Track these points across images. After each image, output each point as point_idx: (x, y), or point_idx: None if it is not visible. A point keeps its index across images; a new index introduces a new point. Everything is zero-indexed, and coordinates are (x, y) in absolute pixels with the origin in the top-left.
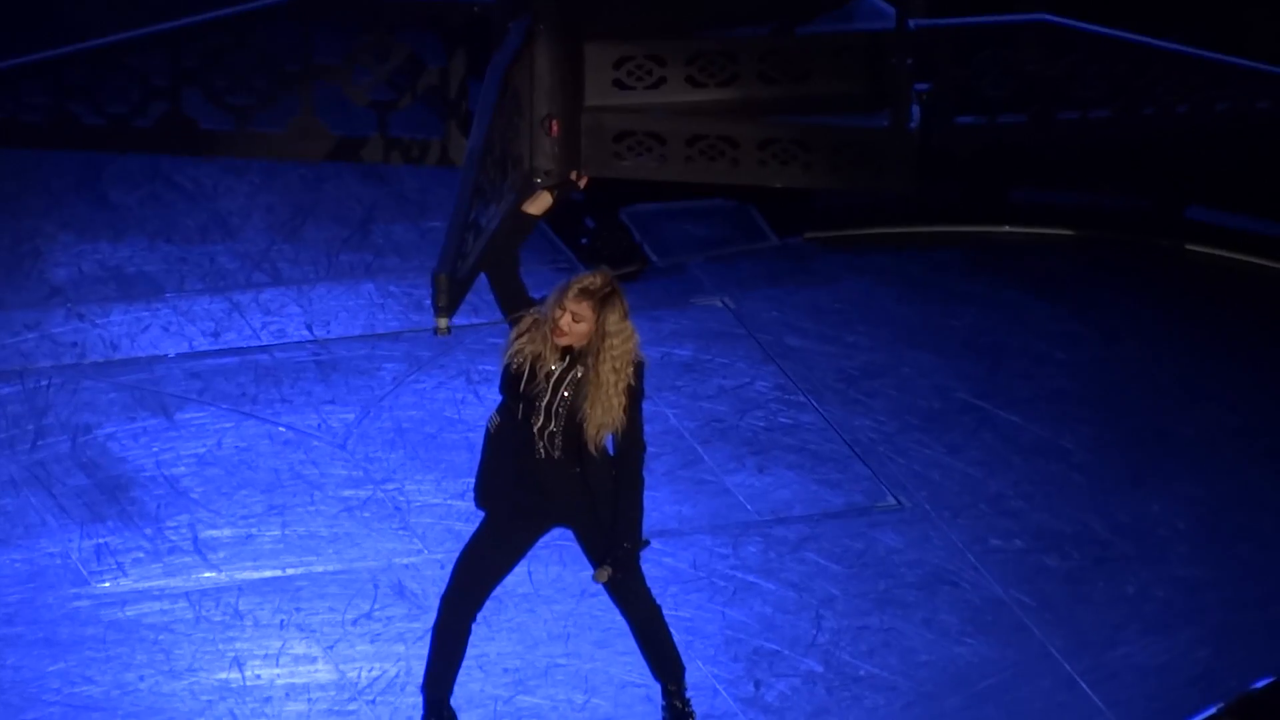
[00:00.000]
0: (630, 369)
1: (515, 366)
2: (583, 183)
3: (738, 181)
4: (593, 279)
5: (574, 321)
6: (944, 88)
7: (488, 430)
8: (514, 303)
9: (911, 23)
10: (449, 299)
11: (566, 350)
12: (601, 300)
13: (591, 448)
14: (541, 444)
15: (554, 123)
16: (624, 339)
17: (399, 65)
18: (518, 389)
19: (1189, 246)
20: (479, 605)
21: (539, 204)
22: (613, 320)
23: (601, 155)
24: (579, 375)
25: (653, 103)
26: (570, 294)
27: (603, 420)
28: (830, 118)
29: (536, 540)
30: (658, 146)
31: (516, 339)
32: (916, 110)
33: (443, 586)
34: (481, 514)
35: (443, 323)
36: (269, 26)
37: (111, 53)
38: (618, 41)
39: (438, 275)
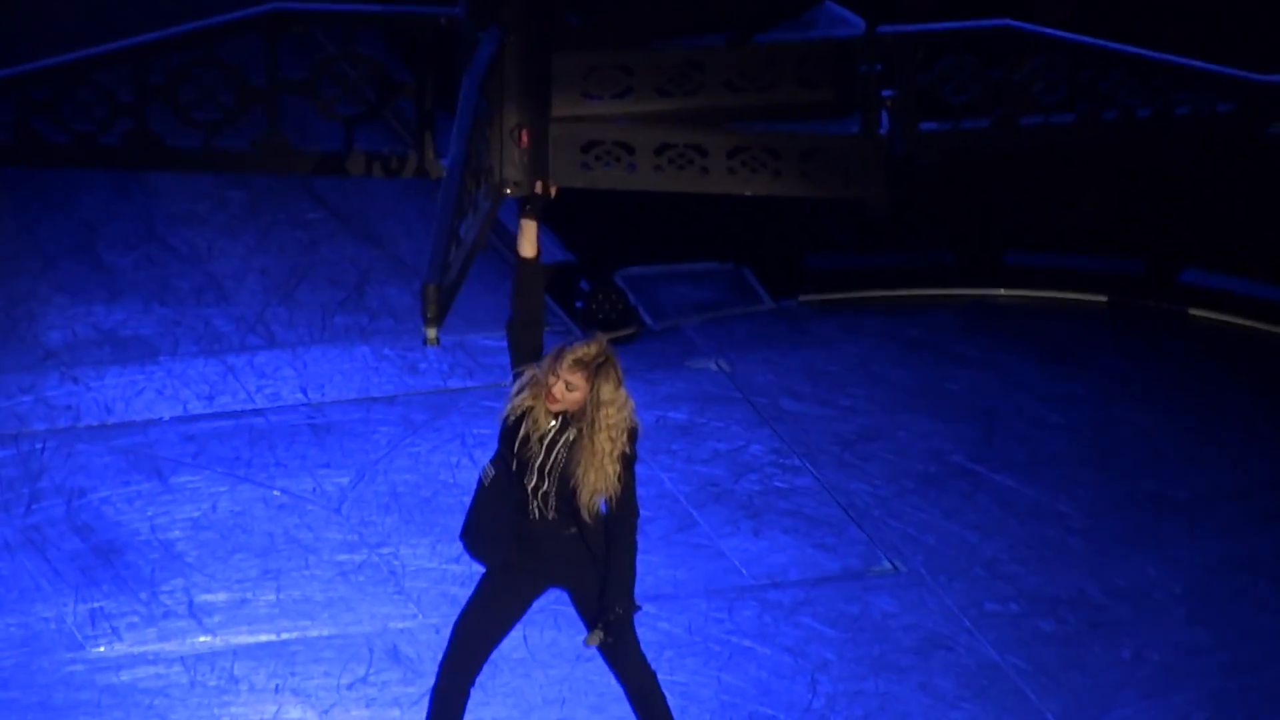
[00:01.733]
0: (624, 436)
1: (513, 420)
2: (552, 192)
3: (707, 190)
4: (587, 349)
5: (567, 390)
6: (908, 94)
7: (481, 481)
8: (527, 342)
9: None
10: (438, 309)
11: (560, 412)
12: (595, 370)
13: (585, 513)
14: (535, 504)
15: (523, 133)
16: (618, 408)
17: (367, 79)
18: (513, 444)
19: (1189, 310)
20: (478, 668)
21: (528, 240)
22: (607, 390)
23: (569, 165)
24: (571, 438)
25: (620, 112)
26: (564, 364)
27: (596, 486)
28: (799, 125)
29: (533, 601)
30: (626, 156)
31: (518, 394)
32: (884, 116)
33: (440, 650)
34: (478, 575)
35: (431, 333)
36: (235, 41)
37: (77, 69)
38: (585, 51)
39: (426, 286)
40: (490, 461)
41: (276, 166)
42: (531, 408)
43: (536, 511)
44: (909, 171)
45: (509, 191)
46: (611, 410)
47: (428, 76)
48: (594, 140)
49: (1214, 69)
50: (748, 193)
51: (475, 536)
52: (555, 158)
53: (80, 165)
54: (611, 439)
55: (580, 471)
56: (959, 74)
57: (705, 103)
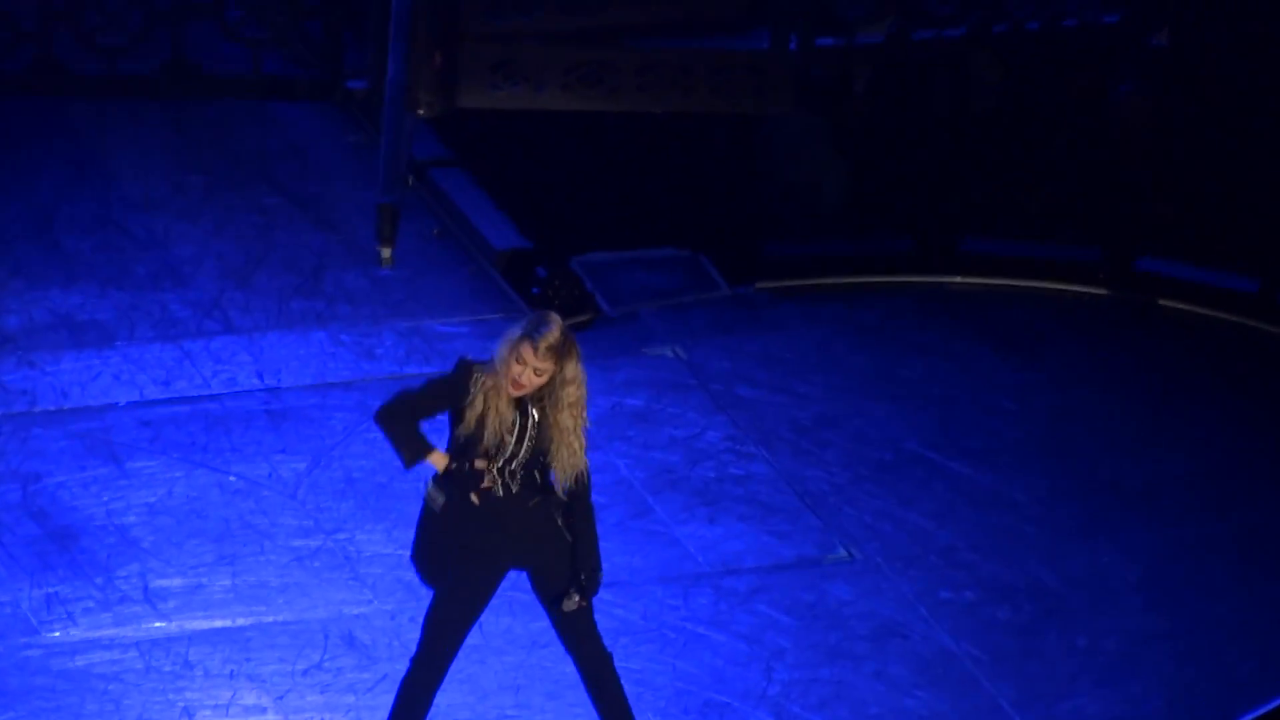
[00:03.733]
0: (584, 411)
1: (474, 427)
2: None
3: (617, 108)
4: (554, 335)
5: (536, 376)
6: (803, 9)
7: (427, 507)
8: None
9: None
10: (392, 228)
11: (519, 397)
12: (562, 355)
13: (560, 491)
14: (503, 482)
15: (437, 54)
16: (579, 385)
17: (273, 1)
18: (473, 438)
19: (1138, 295)
20: (450, 663)
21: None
22: (570, 368)
23: (478, 86)
24: (536, 420)
25: (529, 31)
26: (538, 352)
27: (569, 463)
28: (708, 41)
29: (497, 586)
30: (535, 74)
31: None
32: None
33: (395, 636)
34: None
35: (386, 252)
36: None
37: None
38: None
39: (381, 205)
40: (433, 482)
41: (183, 91)
42: (484, 411)
43: (502, 490)
44: (866, 158)
45: (421, 112)
46: (573, 388)
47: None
48: (503, 60)
49: None
50: (657, 110)
51: (427, 563)
52: (464, 77)
53: None
54: (574, 415)
55: (553, 450)
56: None
57: (613, 19)
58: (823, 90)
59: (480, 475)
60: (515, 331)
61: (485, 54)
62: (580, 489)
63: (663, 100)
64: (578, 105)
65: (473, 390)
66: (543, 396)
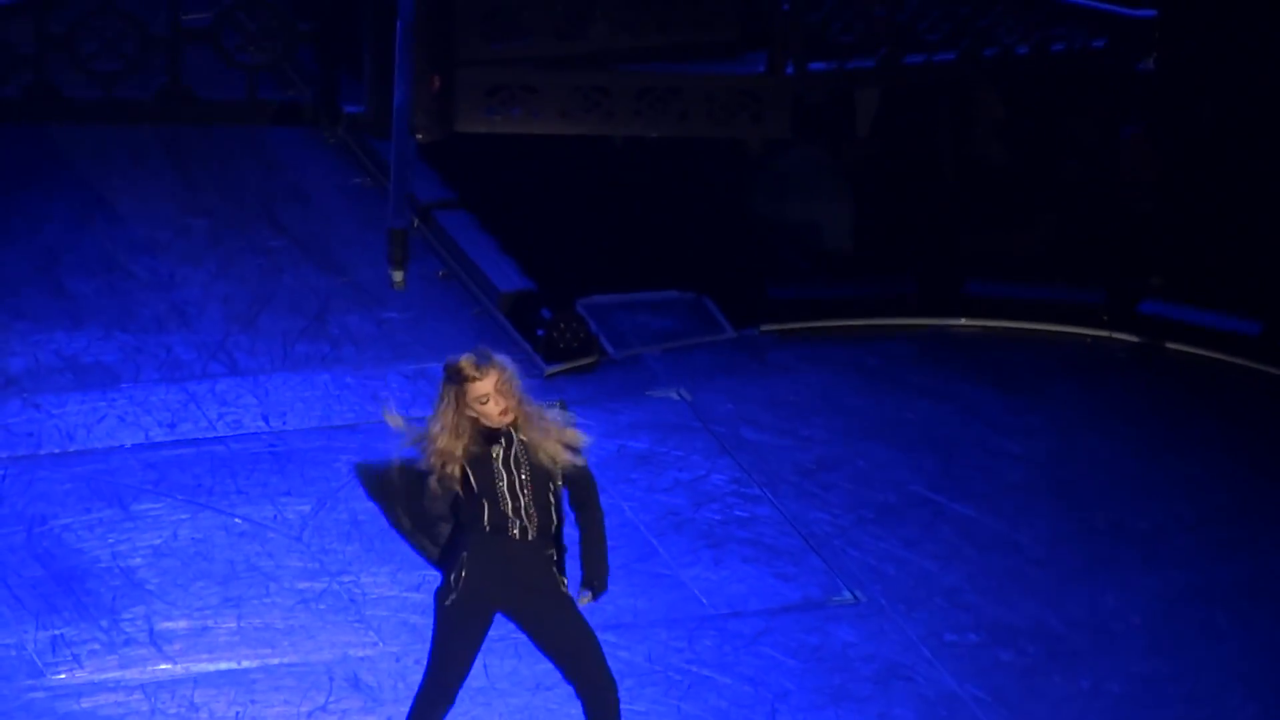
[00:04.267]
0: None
1: (455, 475)
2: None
3: (612, 132)
4: (466, 358)
5: (497, 393)
6: (796, 34)
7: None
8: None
9: None
10: (404, 251)
11: (489, 435)
12: (488, 362)
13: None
14: (519, 524)
15: (435, 79)
16: (511, 378)
17: (270, 27)
18: (473, 493)
19: (1142, 338)
20: (452, 702)
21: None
22: (502, 368)
23: (474, 110)
24: (515, 443)
25: (524, 55)
26: (471, 380)
27: (555, 446)
28: (704, 66)
29: (488, 628)
30: (531, 99)
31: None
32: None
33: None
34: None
35: (398, 276)
36: None
37: None
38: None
39: (392, 230)
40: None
41: (179, 116)
42: (459, 458)
43: (518, 533)
44: (868, 193)
45: (419, 137)
46: (509, 385)
47: (332, 24)
48: (499, 84)
49: (1087, 5)
50: (654, 134)
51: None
52: (461, 102)
53: None
54: (523, 403)
55: (544, 446)
56: (844, 13)
57: (608, 45)
58: (819, 118)
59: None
60: (444, 396)
61: (481, 79)
62: (585, 488)
63: (659, 124)
64: (574, 130)
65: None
66: (512, 417)
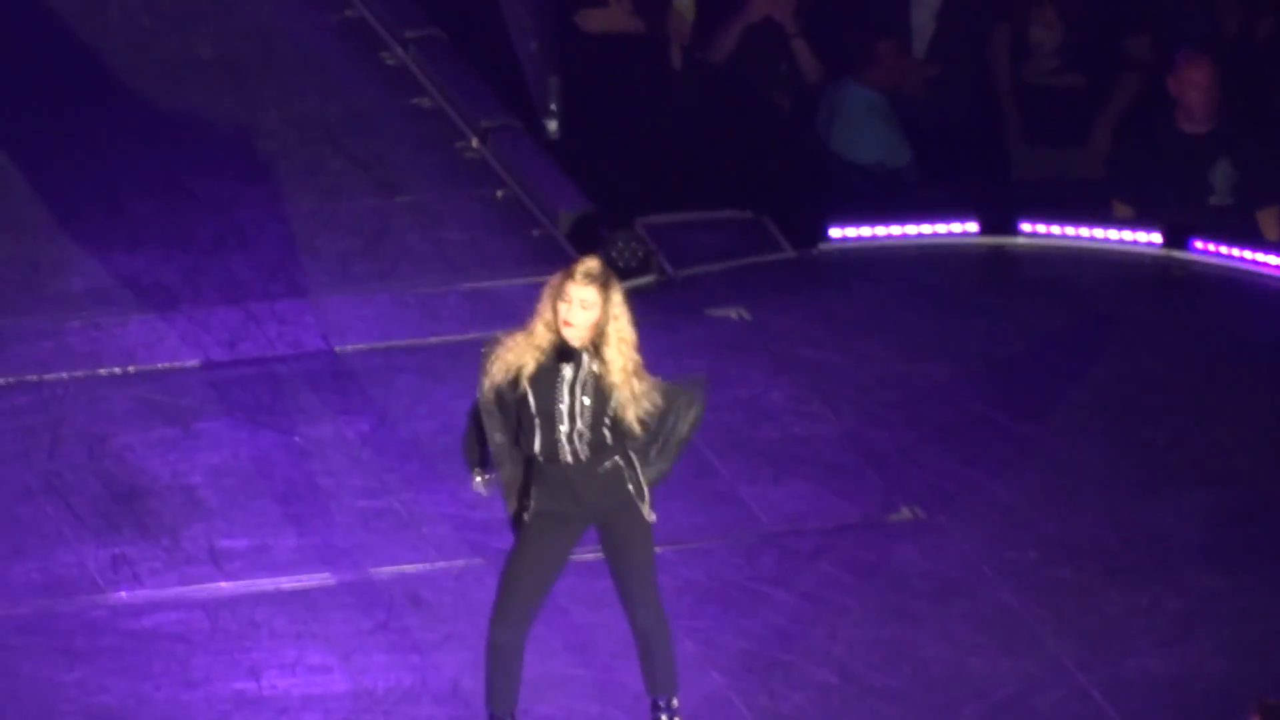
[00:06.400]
0: (635, 349)
1: (516, 392)
2: None
3: None
4: (592, 262)
5: (583, 309)
6: None
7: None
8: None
9: None
10: (559, 100)
11: (564, 352)
12: (605, 283)
13: (635, 428)
14: (570, 448)
15: None
16: (627, 318)
17: None
18: (517, 406)
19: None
20: (531, 622)
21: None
22: (617, 300)
23: None
24: (589, 369)
25: None
26: (575, 280)
27: (634, 401)
28: None
29: (573, 546)
30: None
31: (498, 364)
32: None
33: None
34: (498, 522)
35: (553, 125)
36: None
37: None
38: None
39: (550, 77)
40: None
41: None
42: (523, 365)
43: (570, 455)
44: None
45: None
46: (623, 322)
47: None
48: None
49: None
50: None
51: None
52: None
53: None
54: (623, 353)
55: (617, 395)
56: None
57: None
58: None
59: (548, 439)
60: (554, 278)
61: None
62: (652, 425)
63: None
64: None
65: (505, 360)
66: (594, 344)
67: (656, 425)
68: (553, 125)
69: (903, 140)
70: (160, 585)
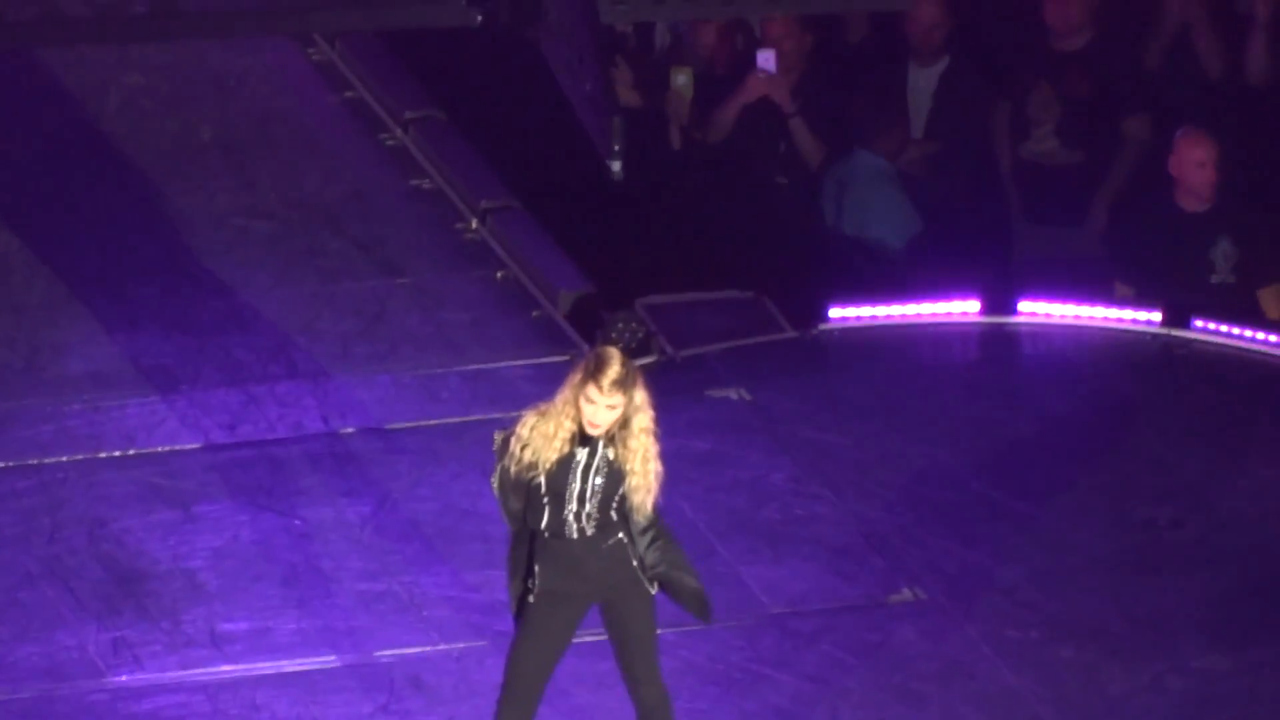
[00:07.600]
0: (656, 437)
1: (531, 475)
2: None
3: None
4: (615, 369)
5: (608, 410)
6: None
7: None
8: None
9: None
10: (621, 139)
11: (582, 438)
12: (630, 386)
13: (641, 516)
14: (577, 525)
15: None
16: (648, 408)
17: None
18: (539, 491)
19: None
20: (537, 704)
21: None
22: (640, 395)
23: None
24: (608, 456)
25: None
26: (603, 387)
27: (647, 487)
28: None
29: (577, 626)
30: None
31: (519, 458)
32: None
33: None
34: (499, 604)
35: (616, 165)
36: None
37: None
38: None
39: (614, 118)
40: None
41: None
42: (553, 451)
43: (576, 532)
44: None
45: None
46: (645, 413)
47: None
48: None
49: None
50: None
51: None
52: None
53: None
54: (644, 442)
55: (631, 479)
56: None
57: None
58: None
59: (555, 519)
60: (576, 375)
61: None
62: (652, 517)
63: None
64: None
65: (526, 441)
66: (620, 429)
67: (655, 516)
68: (616, 166)
69: (914, 209)
70: (161, 668)
